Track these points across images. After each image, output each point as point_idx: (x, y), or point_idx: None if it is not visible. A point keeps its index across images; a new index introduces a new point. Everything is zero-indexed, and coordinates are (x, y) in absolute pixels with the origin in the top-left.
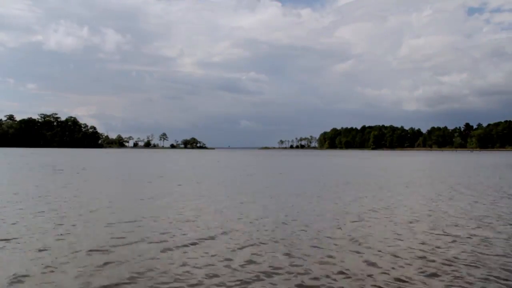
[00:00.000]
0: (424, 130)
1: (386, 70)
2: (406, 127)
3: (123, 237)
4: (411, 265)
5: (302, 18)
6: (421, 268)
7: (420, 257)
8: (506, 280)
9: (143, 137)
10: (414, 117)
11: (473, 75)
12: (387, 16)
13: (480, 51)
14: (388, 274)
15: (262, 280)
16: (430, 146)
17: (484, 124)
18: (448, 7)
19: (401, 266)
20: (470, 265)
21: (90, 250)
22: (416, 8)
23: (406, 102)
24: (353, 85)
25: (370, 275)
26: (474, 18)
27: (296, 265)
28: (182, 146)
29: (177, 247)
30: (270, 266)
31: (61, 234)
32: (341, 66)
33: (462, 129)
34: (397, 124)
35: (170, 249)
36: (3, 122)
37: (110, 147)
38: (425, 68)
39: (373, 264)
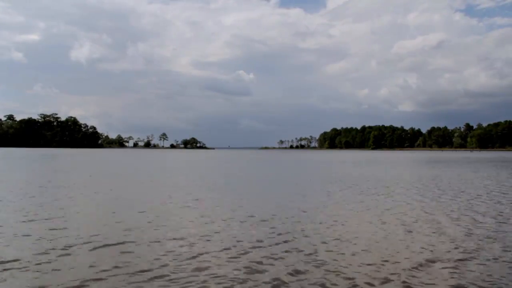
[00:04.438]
0: (424, 130)
1: (381, 70)
2: (406, 127)
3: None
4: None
5: (298, 18)
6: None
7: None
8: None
9: (143, 137)
10: (413, 118)
11: (467, 76)
12: (378, 16)
13: (472, 51)
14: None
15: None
16: (430, 146)
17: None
18: (437, 7)
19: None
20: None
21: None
22: (405, 9)
23: (402, 102)
24: (352, 85)
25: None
26: (465, 19)
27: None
28: (182, 146)
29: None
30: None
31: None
32: (340, 66)
33: (462, 129)
34: (397, 124)
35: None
36: (3, 122)
37: (110, 147)
38: (419, 69)
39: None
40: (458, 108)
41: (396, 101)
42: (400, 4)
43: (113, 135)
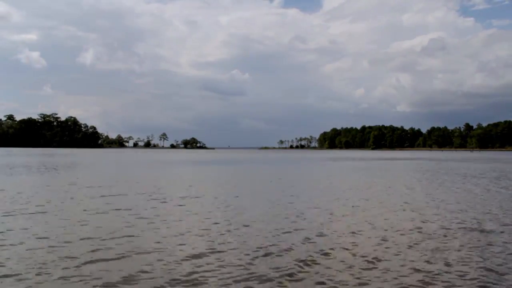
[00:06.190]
0: (423, 130)
1: (378, 70)
2: (406, 127)
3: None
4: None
5: (295, 18)
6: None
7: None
8: None
9: (143, 137)
10: (411, 118)
11: (465, 76)
12: (375, 16)
13: (468, 52)
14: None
15: None
16: (430, 146)
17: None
18: (432, 8)
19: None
20: None
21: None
22: (401, 9)
23: (401, 102)
24: (351, 85)
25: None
26: (461, 19)
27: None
28: (182, 146)
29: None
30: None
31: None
32: (339, 65)
33: (462, 129)
34: (397, 124)
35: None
36: (3, 122)
37: (110, 147)
38: (418, 69)
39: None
40: (457, 108)
41: (395, 101)
42: (397, 4)
43: (113, 135)
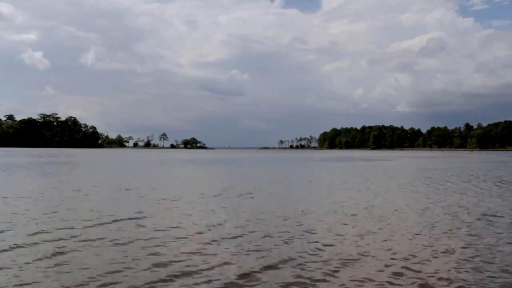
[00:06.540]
0: (424, 130)
1: (377, 70)
2: (406, 127)
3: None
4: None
5: (293, 18)
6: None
7: None
8: None
9: (143, 137)
10: (411, 118)
11: (462, 77)
12: (374, 17)
13: (467, 52)
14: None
15: None
16: (430, 146)
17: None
18: (431, 8)
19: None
20: None
21: None
22: (400, 9)
23: (400, 102)
24: (351, 85)
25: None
26: (460, 19)
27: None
28: (182, 146)
29: None
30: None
31: None
32: (338, 65)
33: (462, 129)
34: (397, 124)
35: None
36: (3, 122)
37: (110, 147)
38: (413, 69)
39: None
40: (457, 108)
41: (394, 101)
42: (396, 5)
43: (113, 135)
